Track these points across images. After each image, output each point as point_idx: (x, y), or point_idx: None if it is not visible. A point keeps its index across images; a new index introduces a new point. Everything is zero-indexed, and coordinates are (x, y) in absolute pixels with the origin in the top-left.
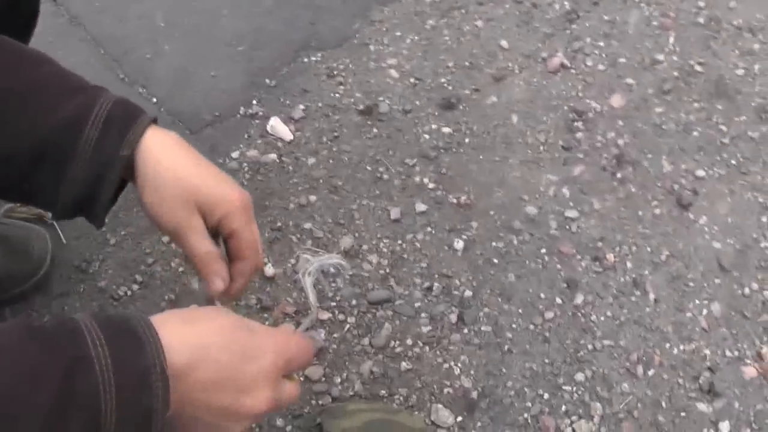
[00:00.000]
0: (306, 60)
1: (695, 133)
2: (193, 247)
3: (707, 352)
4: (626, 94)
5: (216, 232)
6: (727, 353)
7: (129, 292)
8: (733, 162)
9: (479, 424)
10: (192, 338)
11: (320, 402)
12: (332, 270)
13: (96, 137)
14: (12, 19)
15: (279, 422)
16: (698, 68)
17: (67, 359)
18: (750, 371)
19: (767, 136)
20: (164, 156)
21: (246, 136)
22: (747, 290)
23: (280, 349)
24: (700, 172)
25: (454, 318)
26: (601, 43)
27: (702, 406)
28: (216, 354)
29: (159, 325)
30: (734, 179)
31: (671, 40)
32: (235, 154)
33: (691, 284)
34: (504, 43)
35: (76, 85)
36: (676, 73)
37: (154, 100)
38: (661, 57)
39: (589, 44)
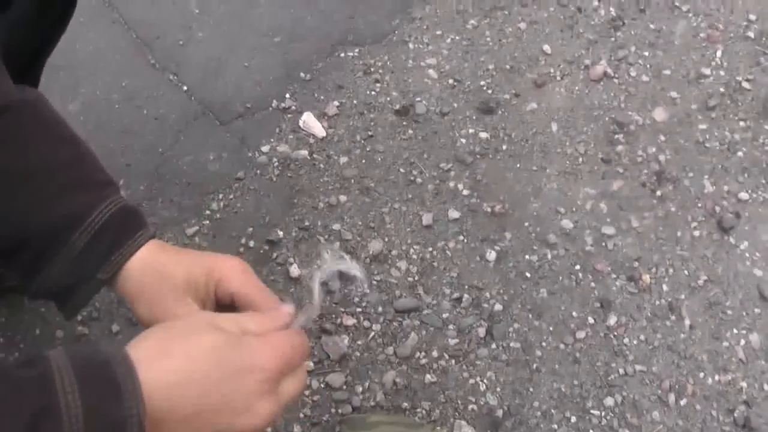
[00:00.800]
0: (343, 55)
1: (740, 154)
2: None
3: (744, 384)
4: (669, 107)
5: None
6: (765, 387)
7: None
8: None
9: None
10: (170, 376)
11: (340, 411)
12: (350, 275)
13: (81, 248)
14: (50, 4)
15: (296, 429)
16: (746, 85)
17: (32, 409)
18: None
19: None
20: (148, 266)
21: (277, 131)
22: None
23: (273, 359)
24: (744, 195)
25: (482, 332)
26: (646, 53)
27: None
28: (199, 387)
29: (137, 360)
30: None
31: (719, 53)
32: (265, 148)
33: (729, 312)
34: (546, 48)
35: (85, 180)
36: (722, 89)
37: (185, 88)
38: (707, 71)
39: (633, 53)
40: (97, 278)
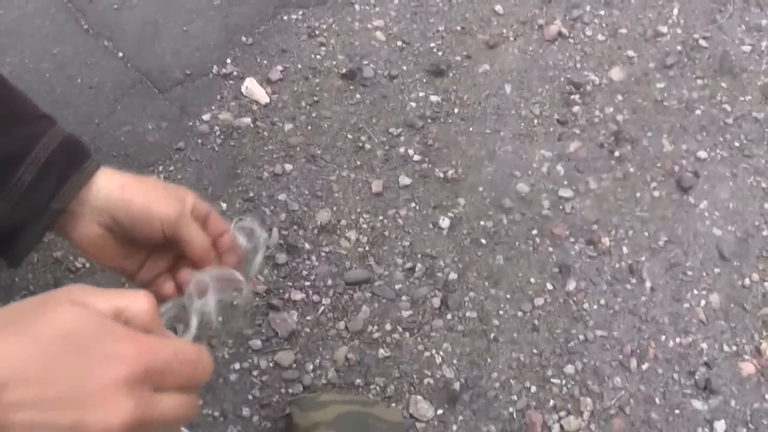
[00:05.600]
0: (286, 18)
1: (698, 112)
2: (194, 235)
3: (704, 346)
4: (626, 67)
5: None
6: (725, 348)
7: (87, 264)
8: (737, 144)
9: (461, 417)
10: (6, 361)
11: (290, 390)
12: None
13: (29, 181)
14: None
15: (245, 412)
16: (703, 43)
17: None
18: (748, 368)
19: None
20: (118, 178)
21: (219, 98)
22: (747, 281)
23: (141, 355)
24: (702, 153)
25: (437, 302)
26: (602, 12)
27: (697, 404)
28: (42, 374)
29: None
30: (737, 162)
31: (675, 11)
32: (206, 117)
33: (690, 273)
34: (498, 8)
35: (23, 114)
36: (679, 47)
37: (120, 54)
38: (664, 29)
39: (588, 12)
40: (51, 210)
